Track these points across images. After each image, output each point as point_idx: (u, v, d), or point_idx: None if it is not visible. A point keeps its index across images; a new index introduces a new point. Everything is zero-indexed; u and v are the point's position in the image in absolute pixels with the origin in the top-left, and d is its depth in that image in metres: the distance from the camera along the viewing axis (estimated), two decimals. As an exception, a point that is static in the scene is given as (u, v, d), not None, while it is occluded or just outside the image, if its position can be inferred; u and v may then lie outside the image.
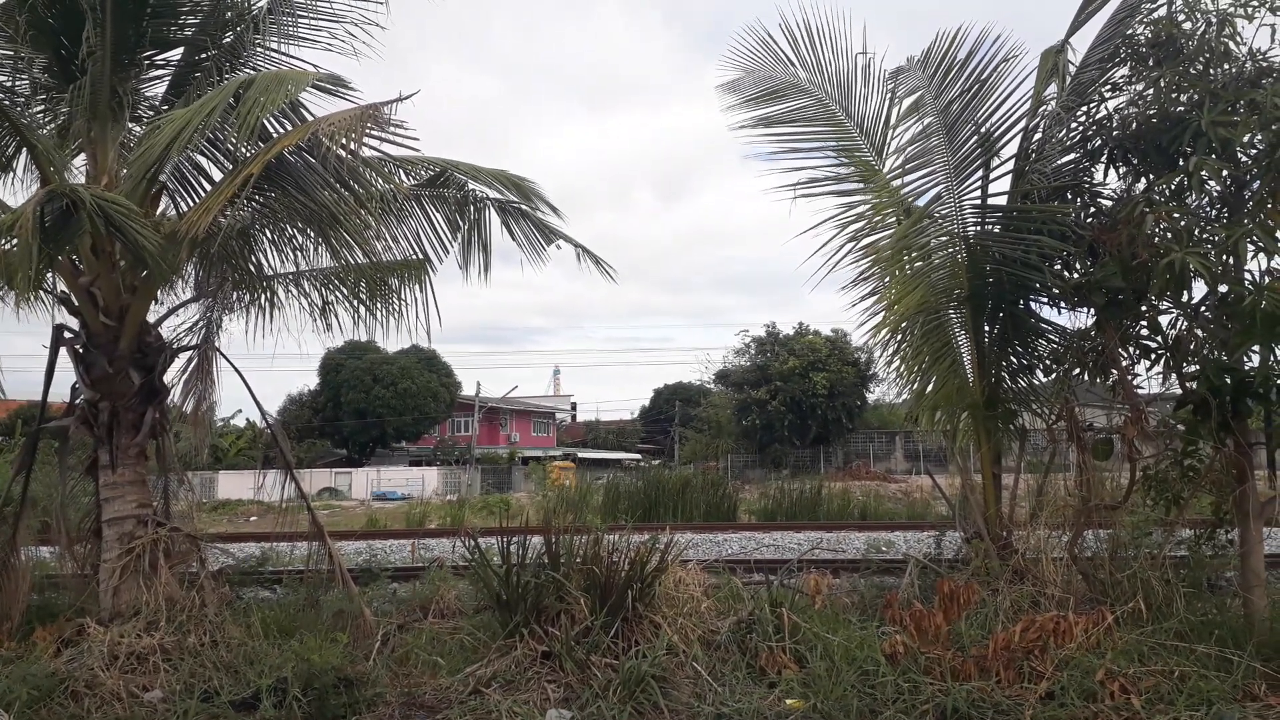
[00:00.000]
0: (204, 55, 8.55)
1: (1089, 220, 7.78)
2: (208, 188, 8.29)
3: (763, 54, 9.60)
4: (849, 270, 8.86)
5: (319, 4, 8.34)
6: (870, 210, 9.01)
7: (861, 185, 9.21)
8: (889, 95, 9.33)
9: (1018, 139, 8.41)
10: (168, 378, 8.20)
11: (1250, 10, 6.83)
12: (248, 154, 7.20)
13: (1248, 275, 6.69)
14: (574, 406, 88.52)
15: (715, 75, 10.70)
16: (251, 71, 8.35)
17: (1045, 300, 8.35)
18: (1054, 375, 8.50)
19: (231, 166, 7.87)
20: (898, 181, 9.10)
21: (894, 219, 8.94)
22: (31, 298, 7.91)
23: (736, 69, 9.71)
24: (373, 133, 6.45)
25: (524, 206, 8.99)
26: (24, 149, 8.02)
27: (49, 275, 7.82)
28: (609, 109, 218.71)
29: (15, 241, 5.67)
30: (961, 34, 8.95)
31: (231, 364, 9.13)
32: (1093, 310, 7.68)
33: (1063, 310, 8.29)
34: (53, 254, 6.70)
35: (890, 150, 9.29)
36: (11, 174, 8.48)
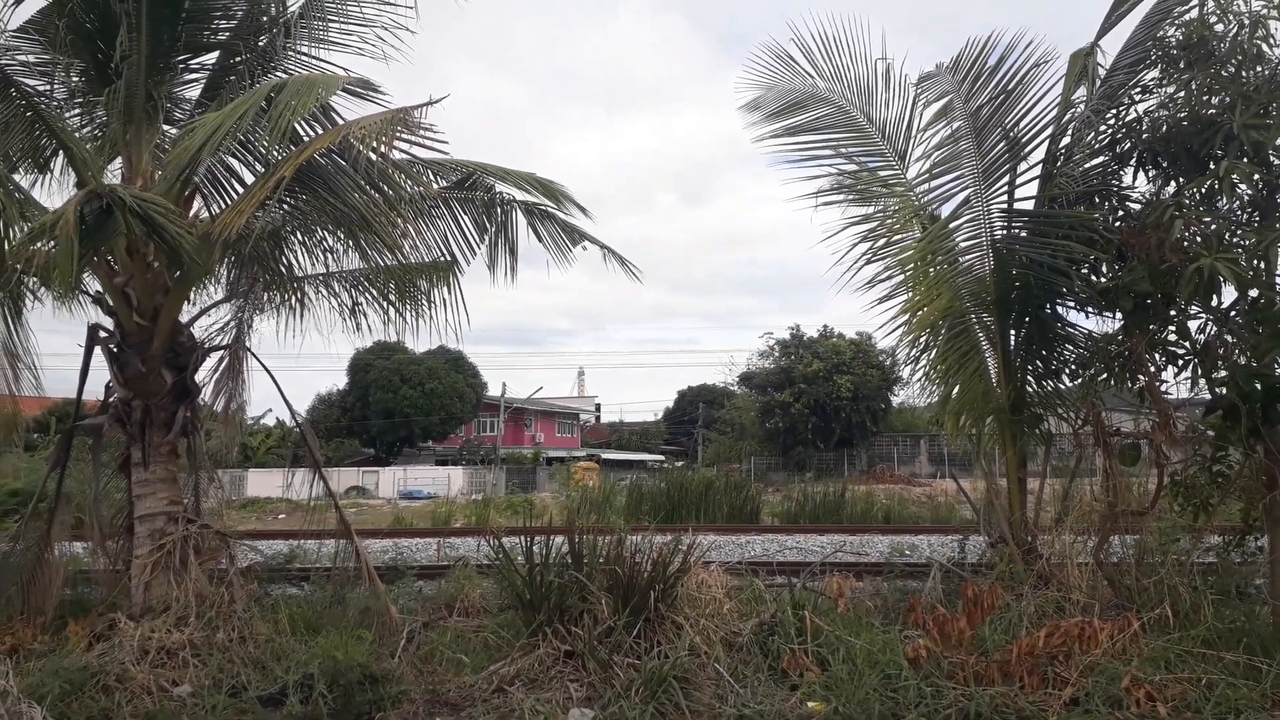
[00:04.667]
0: (237, 59, 8.68)
1: (1117, 224, 7.71)
2: (239, 190, 8.40)
3: (780, 68, 9.64)
4: (873, 274, 8.85)
5: (349, 9, 8.44)
6: (894, 215, 9.01)
7: (884, 190, 9.19)
8: (912, 101, 9.33)
9: (1046, 143, 8.36)
10: (199, 377, 8.33)
11: (1283, 13, 6.76)
12: (279, 157, 7.30)
13: (1279, 280, 6.62)
14: (598, 408, 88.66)
15: (735, 79, 10.78)
16: (283, 75, 8.46)
17: (1072, 304, 8.28)
18: (1080, 380, 8.43)
19: (263, 169, 7.98)
20: (922, 186, 9.09)
21: (918, 224, 8.92)
22: (67, 297, 8.07)
23: (756, 87, 9.75)
24: (403, 136, 6.52)
25: (550, 208, 9.05)
26: (61, 151, 8.18)
27: (85, 275, 7.96)
28: (629, 112, 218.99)
29: (55, 241, 5.78)
30: (992, 40, 8.95)
31: (262, 363, 9.28)
32: (1120, 315, 7.63)
33: (1090, 314, 8.24)
34: (91, 253, 6.81)
35: (915, 156, 9.30)
36: (49, 175, 8.66)
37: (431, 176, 8.46)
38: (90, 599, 8.31)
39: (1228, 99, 6.81)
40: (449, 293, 8.88)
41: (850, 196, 9.27)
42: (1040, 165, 8.43)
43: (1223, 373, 7.00)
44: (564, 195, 8.92)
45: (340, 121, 7.35)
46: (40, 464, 16.39)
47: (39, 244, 6.14)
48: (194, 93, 8.78)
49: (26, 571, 8.03)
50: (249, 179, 8.36)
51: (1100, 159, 7.92)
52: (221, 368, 9.34)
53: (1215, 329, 7.14)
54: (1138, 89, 7.73)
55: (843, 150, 9.45)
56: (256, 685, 6.15)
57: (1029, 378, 8.72)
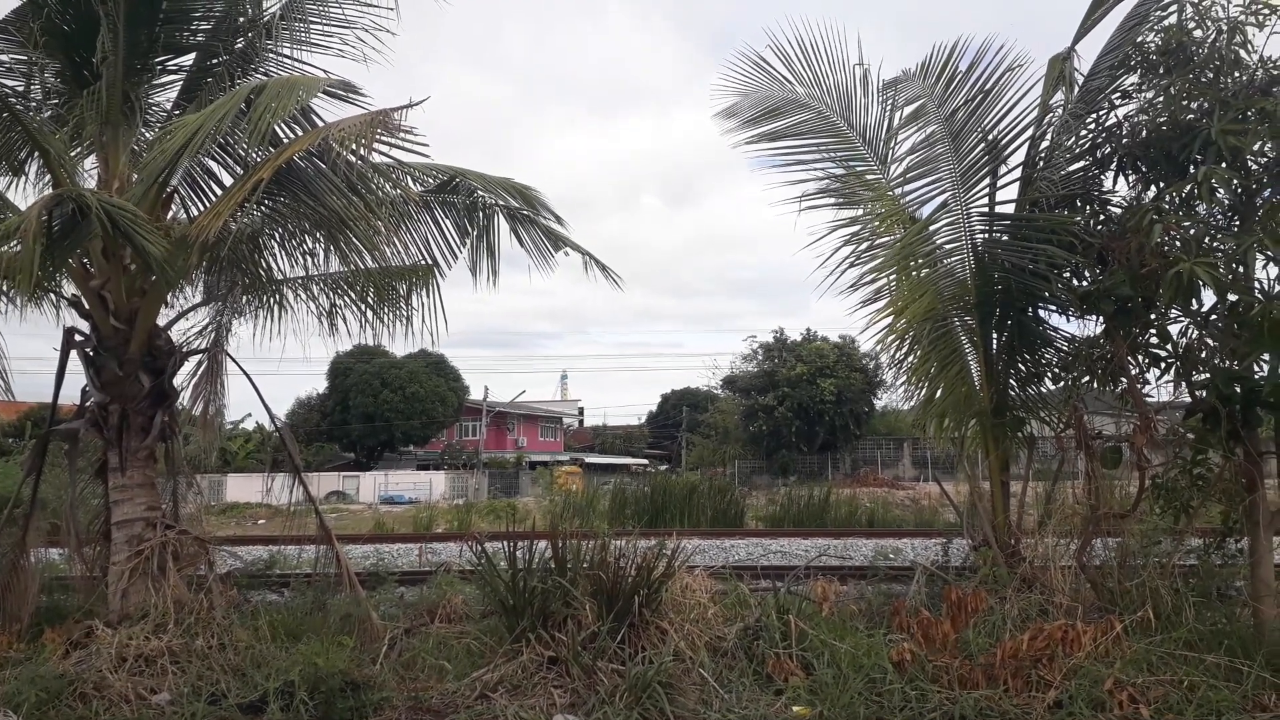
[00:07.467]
0: (216, 60, 8.61)
1: (1098, 228, 7.76)
2: (218, 192, 8.33)
3: (757, 75, 9.62)
4: (856, 278, 8.89)
5: (330, 10, 8.38)
6: (875, 218, 9.04)
7: (866, 194, 9.23)
8: (890, 105, 9.35)
9: (1025, 147, 8.41)
10: (177, 381, 8.24)
11: (1261, 18, 6.82)
12: (258, 159, 7.24)
13: (1257, 284, 6.67)
14: (581, 411, 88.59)
15: (711, 85, 10.75)
16: (263, 77, 8.39)
17: (1054, 308, 8.32)
18: (1062, 383, 8.47)
19: (242, 171, 7.90)
20: (902, 189, 9.12)
21: (900, 227, 8.94)
22: (35, 300, 7.98)
23: (732, 94, 9.72)
24: (383, 139, 6.47)
25: (532, 214, 9.02)
26: (36, 153, 8.07)
27: (59, 278, 7.87)
28: (616, 114, 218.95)
29: (18, 245, 5.71)
30: (961, 46, 9.03)
31: (240, 367, 9.17)
32: (1102, 318, 7.66)
33: (1071, 318, 8.28)
34: (59, 258, 6.72)
35: (894, 159, 9.33)
36: (24, 178, 8.54)
37: (411, 180, 8.42)
38: (67, 606, 8.20)
39: (1206, 104, 6.86)
40: (429, 296, 8.83)
41: (832, 200, 9.32)
42: (1020, 169, 8.47)
43: (1203, 376, 7.04)
44: (541, 203, 8.91)
45: (321, 124, 7.31)
46: (15, 469, 16.20)
47: (4, 247, 6.06)
48: (172, 95, 8.70)
49: (2, 578, 7.91)
50: (228, 181, 8.28)
51: (1080, 163, 7.96)
52: (200, 372, 9.24)
53: (1196, 332, 7.19)
54: (1117, 94, 7.78)
55: (824, 155, 9.48)
56: (236, 692, 6.08)
57: (1011, 381, 8.76)
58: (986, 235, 8.58)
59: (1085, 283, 7.79)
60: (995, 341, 8.70)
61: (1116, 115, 7.75)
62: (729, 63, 9.72)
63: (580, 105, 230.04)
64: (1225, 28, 6.92)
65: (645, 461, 66.21)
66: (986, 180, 8.69)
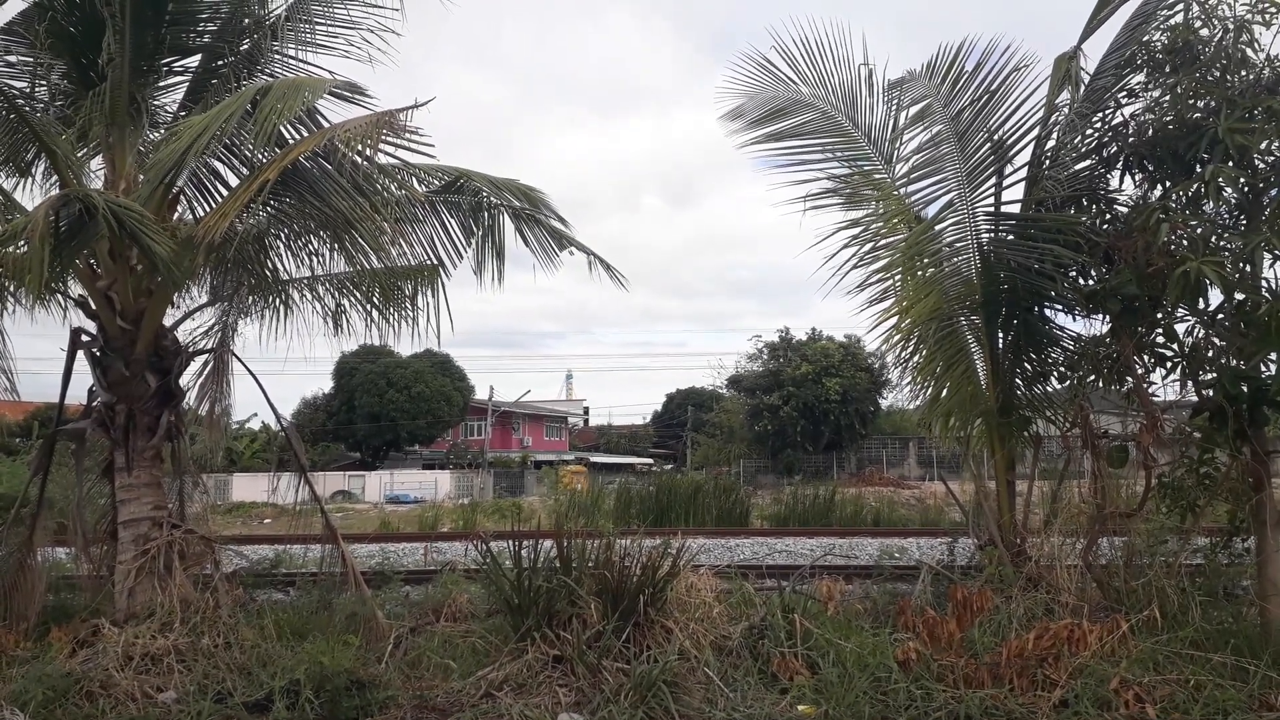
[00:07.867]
0: (221, 62, 8.63)
1: (1104, 227, 7.74)
2: (224, 193, 8.35)
3: (762, 76, 9.60)
4: (861, 277, 8.88)
5: (335, 11, 8.40)
6: (880, 218, 9.03)
7: (871, 193, 9.22)
8: (895, 105, 9.34)
9: (1031, 146, 8.39)
10: (183, 381, 8.26)
11: (1268, 16, 6.80)
12: (264, 160, 7.25)
13: (1265, 282, 6.66)
14: (586, 411, 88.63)
15: (716, 87, 10.73)
16: (268, 78, 8.41)
17: (1060, 307, 8.31)
18: (1069, 382, 8.46)
19: (248, 172, 7.92)
20: (907, 189, 9.10)
21: (905, 226, 8.94)
22: (42, 300, 8.00)
23: (737, 95, 9.69)
24: (389, 139, 6.49)
25: (536, 214, 9.03)
26: (43, 154, 8.10)
27: (66, 278, 7.89)
28: (617, 114, 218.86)
29: (26, 245, 5.73)
30: (967, 46, 9.00)
31: (246, 367, 9.20)
32: (1108, 317, 7.65)
33: (1077, 317, 8.27)
34: (66, 259, 6.75)
35: (899, 158, 9.31)
36: (31, 179, 8.57)
37: (417, 181, 8.43)
38: (74, 605, 8.23)
39: (1213, 103, 6.83)
40: (434, 296, 8.84)
41: (837, 200, 9.31)
42: (1026, 168, 8.45)
43: (1210, 375, 7.03)
44: (545, 203, 8.92)
45: (326, 124, 7.33)
46: (22, 469, 16.25)
47: (12, 247, 6.09)
48: (178, 96, 8.73)
49: (9, 577, 7.94)
50: (234, 182, 8.31)
51: (1086, 163, 7.94)
52: (206, 372, 9.27)
53: (1203, 331, 7.17)
54: (1123, 93, 7.76)
55: (829, 155, 9.46)
56: (242, 691, 6.09)
57: (1017, 380, 8.74)
58: (992, 234, 8.57)
59: (1091, 282, 7.77)
60: (1001, 341, 8.69)
61: (1123, 114, 7.74)
62: (733, 65, 9.70)
63: (581, 105, 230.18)
64: (1232, 26, 6.89)
65: (650, 461, 66.19)
66: (992, 179, 8.67)
